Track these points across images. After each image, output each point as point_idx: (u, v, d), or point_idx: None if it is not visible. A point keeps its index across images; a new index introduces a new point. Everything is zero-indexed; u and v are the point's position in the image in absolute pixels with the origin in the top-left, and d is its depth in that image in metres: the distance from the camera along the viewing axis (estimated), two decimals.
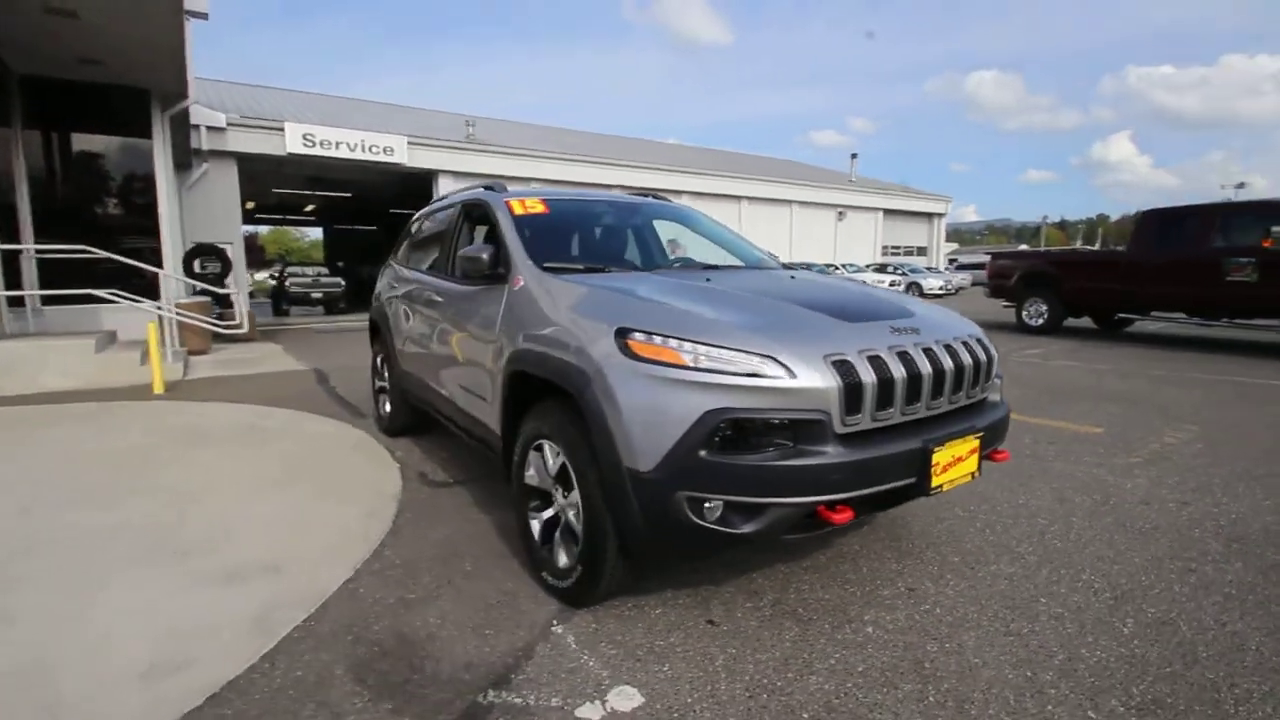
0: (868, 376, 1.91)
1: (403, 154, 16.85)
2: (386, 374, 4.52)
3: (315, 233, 49.00)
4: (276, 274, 26.04)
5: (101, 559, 2.72)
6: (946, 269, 29.60)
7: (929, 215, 31.09)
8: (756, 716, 1.76)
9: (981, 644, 2.07)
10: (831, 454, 1.84)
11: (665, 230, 3.78)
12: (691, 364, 1.89)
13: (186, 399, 6.02)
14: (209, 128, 13.60)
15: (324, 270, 21.18)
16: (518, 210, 3.14)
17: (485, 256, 2.81)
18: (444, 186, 17.83)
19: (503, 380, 2.61)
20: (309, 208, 28.54)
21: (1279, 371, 6.73)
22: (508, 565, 2.67)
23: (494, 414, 2.79)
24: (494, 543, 2.89)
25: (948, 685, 1.87)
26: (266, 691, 1.89)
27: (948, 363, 2.12)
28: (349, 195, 23.84)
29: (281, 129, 14.85)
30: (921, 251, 31.08)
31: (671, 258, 3.64)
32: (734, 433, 1.85)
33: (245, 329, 10.01)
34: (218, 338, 10.03)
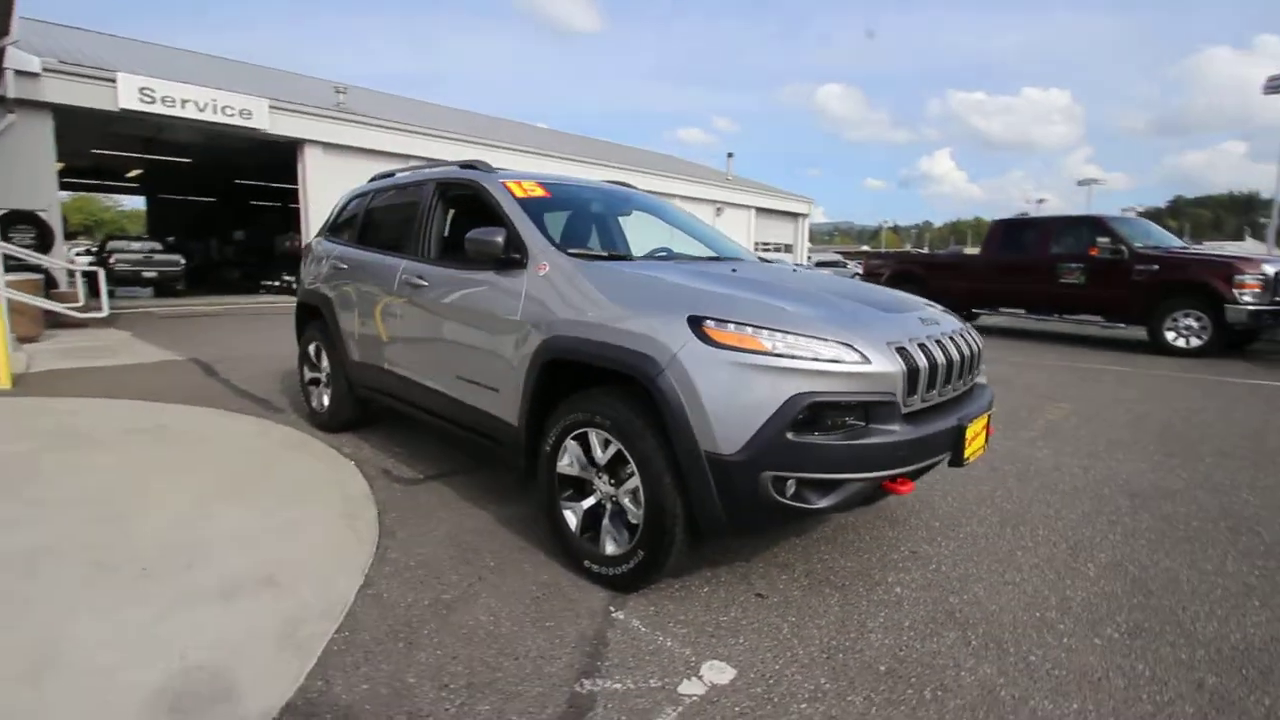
0: (921, 361, 2.12)
1: (263, 119, 15.09)
2: (326, 364, 4.13)
3: (133, 201, 42.50)
4: (95, 249, 22.34)
5: (45, 586, 2.29)
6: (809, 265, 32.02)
7: (794, 215, 33.33)
8: (841, 673, 1.91)
9: (991, 594, 2.38)
10: (899, 432, 2.02)
11: (645, 221, 3.82)
12: (774, 350, 1.99)
13: (45, 395, 5.08)
14: (19, 72, 11.29)
15: (157, 246, 18.51)
16: (518, 193, 3.03)
17: (500, 240, 2.70)
18: (312, 158, 16.28)
19: (530, 369, 2.54)
20: (133, 173, 24.66)
21: (1108, 359, 8.13)
22: (533, 557, 2.61)
23: (509, 404, 2.70)
24: (507, 536, 2.81)
25: (982, 630, 2.15)
26: (337, 710, 1.73)
27: (964, 350, 2.40)
28: (189, 161, 20.94)
29: (113, 80, 12.69)
30: (788, 249, 33.26)
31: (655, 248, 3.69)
32: (814, 415, 1.97)
33: (104, 312, 8.57)
34: (48, 324, 8.48)
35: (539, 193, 3.10)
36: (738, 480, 1.99)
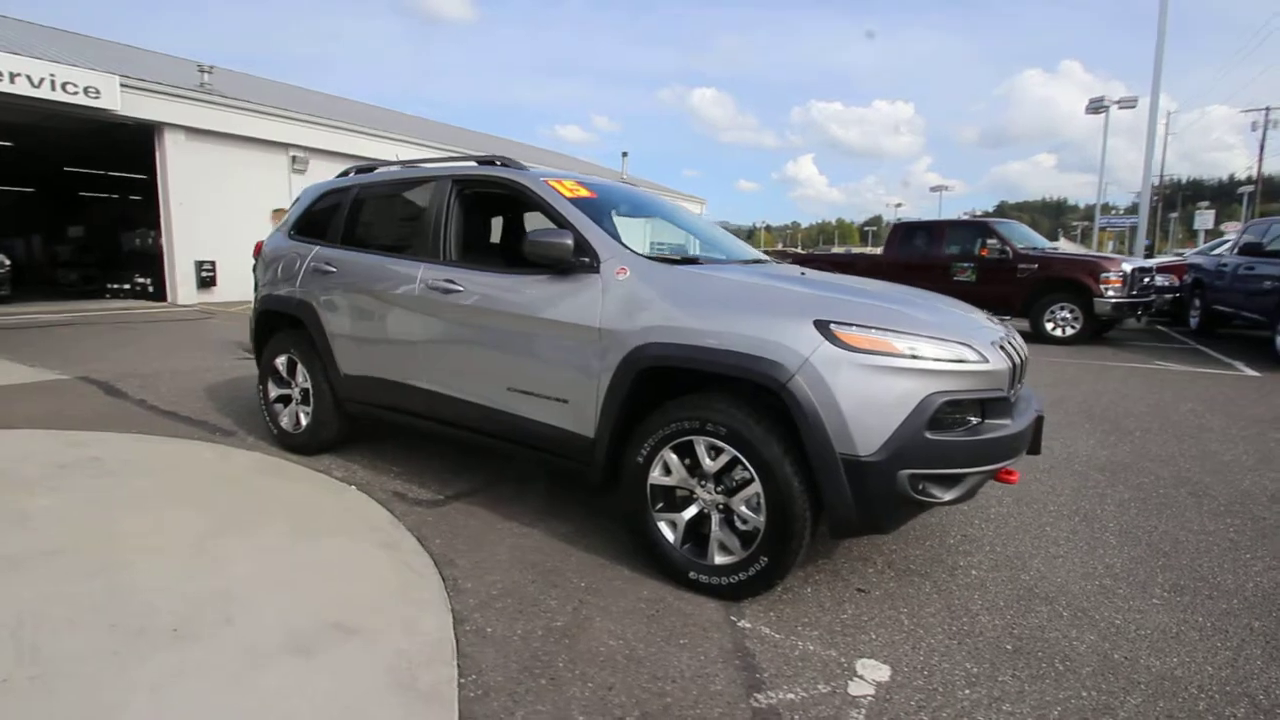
0: (1017, 359, 2.29)
1: (113, 98, 13.12)
2: (305, 379, 3.70)
3: None
4: None
5: (68, 665, 1.88)
6: None
7: None
8: (979, 656, 2.02)
9: (1049, 567, 2.62)
10: (1011, 425, 2.17)
11: (659, 224, 3.79)
12: (906, 352, 2.06)
13: None
14: None
15: None
16: (567, 193, 2.89)
17: (570, 242, 2.56)
18: (173, 145, 14.41)
19: (616, 378, 2.44)
20: None
21: None
22: (619, 573, 2.51)
23: (581, 416, 2.58)
24: (577, 553, 2.68)
25: (1064, 601, 2.36)
26: None
27: (1022, 348, 2.61)
28: (8, 145, 17.73)
29: None
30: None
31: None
32: (946, 413, 2.06)
33: None
34: None
35: (584, 193, 2.98)
36: (873, 480, 2.04)
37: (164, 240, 14.91)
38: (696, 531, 2.40)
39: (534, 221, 4.16)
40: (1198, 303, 10.14)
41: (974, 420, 2.13)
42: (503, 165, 3.20)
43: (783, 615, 2.24)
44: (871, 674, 1.94)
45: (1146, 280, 9.24)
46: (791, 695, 1.84)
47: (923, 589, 2.44)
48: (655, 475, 2.41)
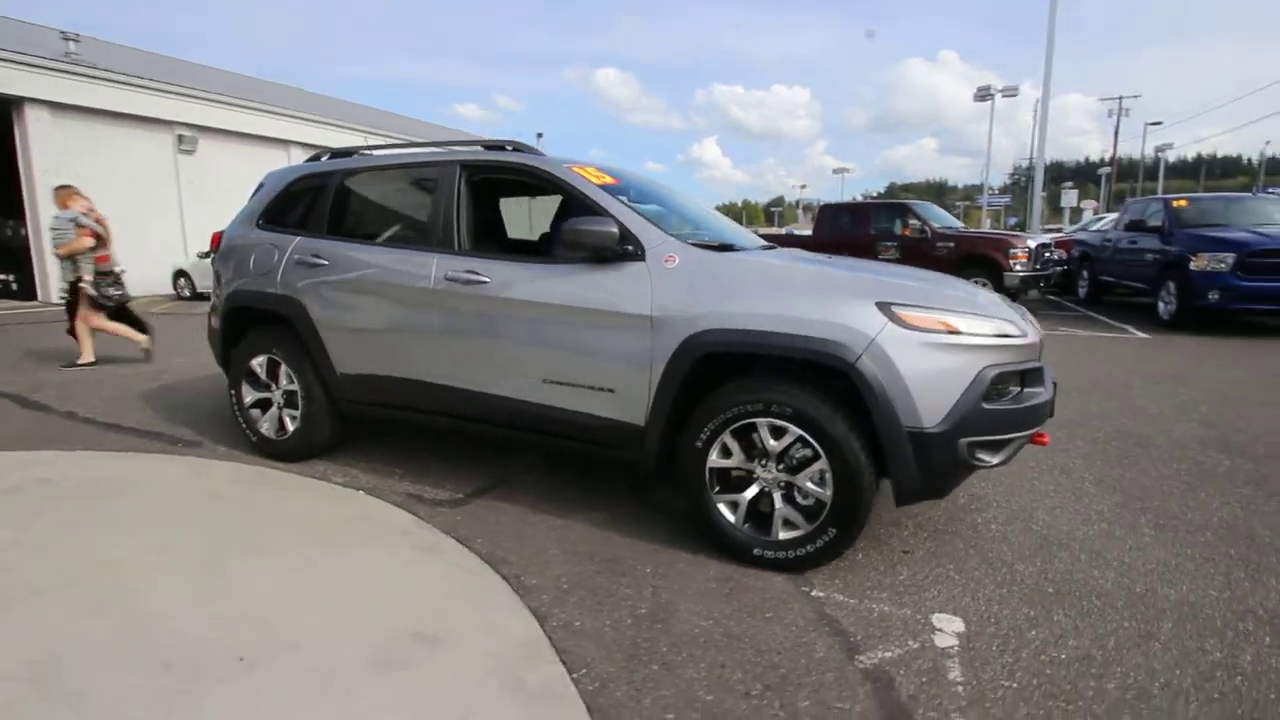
0: (1040, 333, 2.51)
1: None
2: (292, 381, 3.43)
3: None
4: None
5: (122, 702, 1.70)
6: None
7: None
8: (1032, 600, 2.23)
9: (1053, 519, 2.90)
10: (1043, 393, 2.38)
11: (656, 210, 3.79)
12: (962, 329, 2.21)
13: None
14: None
15: None
16: (595, 179, 2.85)
17: (615, 230, 2.54)
18: (35, 122, 12.71)
19: (671, 365, 2.45)
20: None
21: None
22: (680, 555, 2.56)
23: (631, 404, 2.58)
24: (628, 541, 2.69)
25: (1077, 546, 2.63)
26: None
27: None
28: None
29: None
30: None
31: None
32: (997, 384, 2.24)
33: None
34: None
35: (608, 179, 2.94)
36: (937, 450, 2.19)
37: (28, 231, 13.16)
38: (755, 510, 2.48)
39: (538, 207, 4.07)
40: (1085, 274, 11.32)
41: (1016, 390, 2.33)
42: (515, 150, 3.09)
43: (848, 582, 2.37)
44: (948, 626, 2.10)
45: (1047, 255, 10.20)
46: (889, 654, 1.96)
47: (956, 546, 2.65)
48: (713, 458, 2.46)
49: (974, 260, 9.95)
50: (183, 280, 13.51)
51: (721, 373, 2.50)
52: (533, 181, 2.97)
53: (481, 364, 2.91)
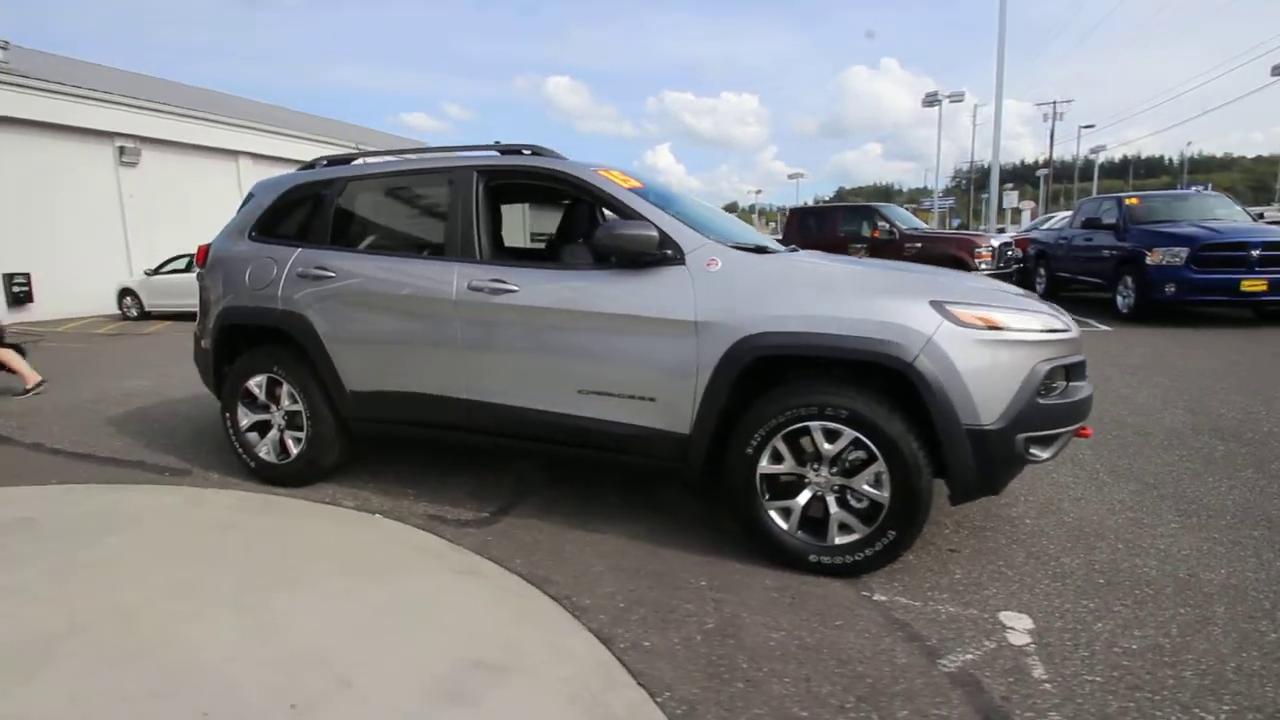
0: None
1: None
2: (295, 402, 3.24)
3: None
4: None
5: None
6: None
7: None
8: (1088, 593, 2.25)
9: (1080, 510, 2.96)
10: (1087, 386, 2.42)
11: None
12: (1014, 326, 2.22)
13: None
14: None
15: None
16: (622, 183, 2.78)
17: (655, 235, 2.48)
18: None
19: (719, 371, 2.40)
20: None
21: None
22: (731, 566, 2.50)
23: (674, 412, 2.52)
24: (676, 552, 2.63)
25: (1112, 536, 2.68)
26: None
27: None
28: None
29: None
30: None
31: None
32: (1050, 379, 2.26)
33: None
34: None
35: (634, 183, 2.87)
36: (995, 446, 2.19)
37: None
38: (805, 515, 2.44)
39: (533, 212, 3.96)
40: (1043, 271, 11.78)
41: (1064, 384, 2.36)
42: (534, 154, 3.00)
43: (906, 584, 2.35)
44: (1018, 624, 2.10)
45: (1009, 253, 10.59)
46: (969, 656, 1.94)
47: (999, 542, 2.67)
48: (764, 465, 2.42)
49: (941, 260, 10.23)
50: (129, 299, 12.78)
51: (764, 378, 2.46)
52: (556, 186, 2.89)
53: (509, 376, 2.80)
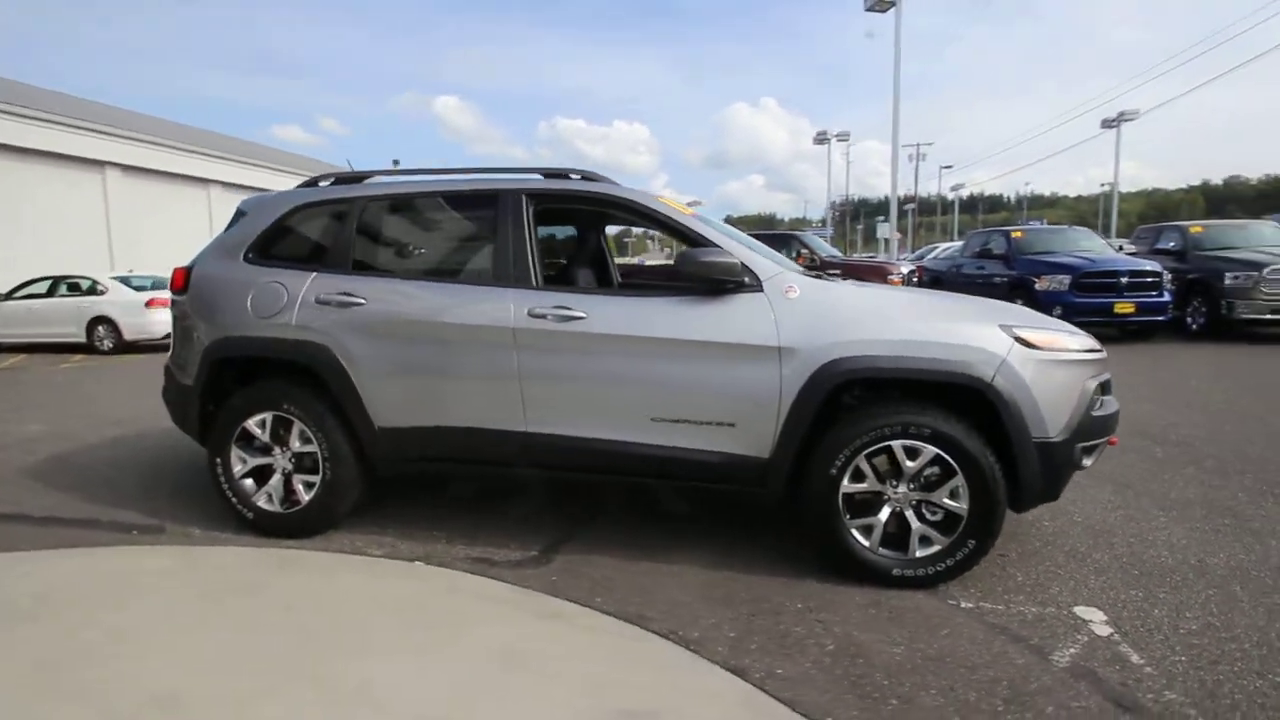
0: None
1: None
2: (312, 441, 2.92)
3: None
4: None
5: None
6: None
7: None
8: (1134, 581, 2.52)
9: (1087, 510, 3.29)
10: (1114, 399, 2.72)
11: None
12: (1070, 346, 2.47)
13: None
14: None
15: None
16: (684, 210, 2.80)
17: (736, 262, 2.52)
18: None
19: (803, 395, 2.47)
20: None
21: None
22: (813, 587, 2.55)
23: (754, 437, 2.56)
24: (753, 578, 2.64)
25: (1124, 531, 3.01)
26: None
27: None
28: None
29: None
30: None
31: None
32: (1098, 394, 2.53)
33: None
34: None
35: (689, 210, 2.91)
36: (1060, 457, 2.42)
37: None
38: (871, 529, 2.54)
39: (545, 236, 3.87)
40: None
41: (1104, 397, 2.65)
42: (583, 179, 2.96)
43: (980, 591, 2.51)
44: (1094, 617, 2.30)
45: (915, 280, 11.62)
46: (1072, 650, 2.11)
47: (1035, 545, 2.92)
48: (845, 484, 2.50)
49: None
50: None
51: (836, 401, 2.56)
52: (611, 212, 2.86)
53: (576, 406, 2.71)
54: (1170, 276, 9.14)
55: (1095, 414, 2.50)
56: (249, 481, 3.05)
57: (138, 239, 16.07)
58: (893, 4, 14.43)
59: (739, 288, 2.59)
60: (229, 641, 2.18)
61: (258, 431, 3.00)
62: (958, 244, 17.67)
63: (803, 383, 2.48)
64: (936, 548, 2.49)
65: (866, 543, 2.52)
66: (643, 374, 2.64)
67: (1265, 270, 8.44)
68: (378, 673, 2.01)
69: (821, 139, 26.47)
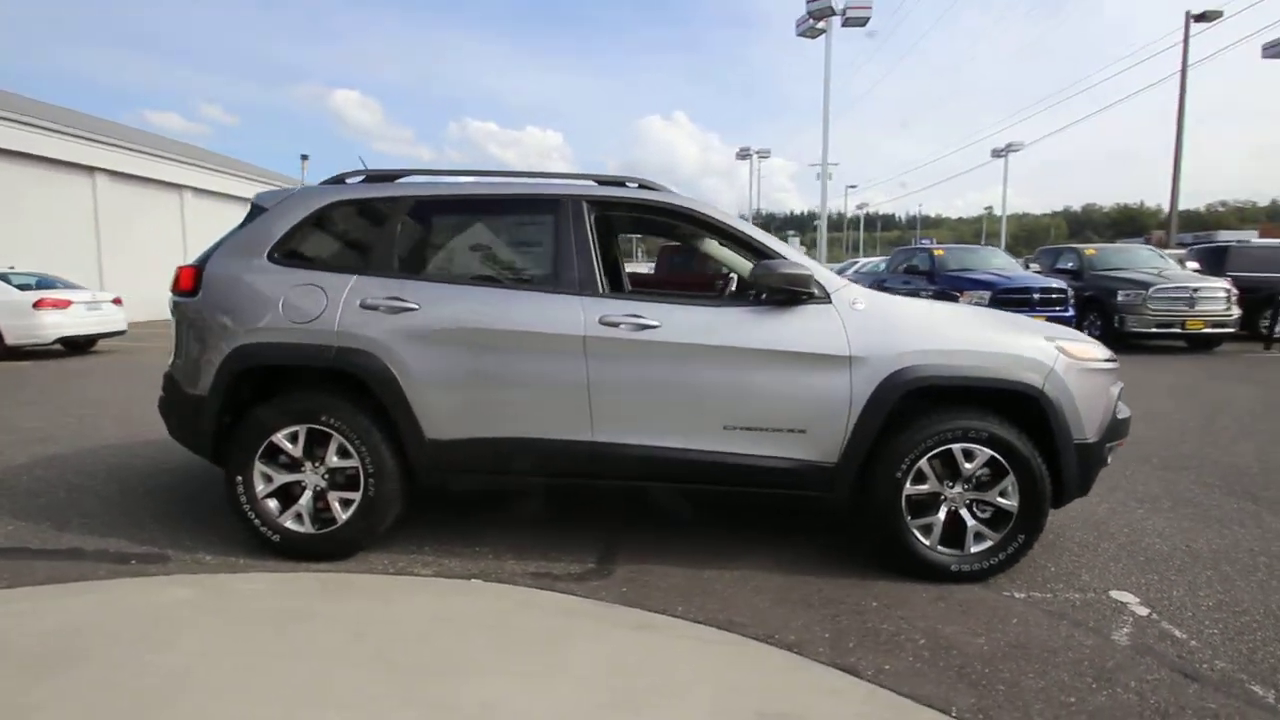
0: None
1: None
2: (353, 455, 2.73)
3: None
4: None
5: None
6: None
7: None
8: (1150, 564, 2.82)
9: (1079, 504, 3.64)
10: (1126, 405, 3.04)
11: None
12: (1100, 356, 2.75)
13: None
14: None
15: None
16: (742, 222, 2.87)
17: (810, 274, 2.62)
18: None
19: (873, 402, 2.60)
20: None
21: None
22: (879, 584, 2.68)
23: (823, 443, 2.67)
24: (821, 580, 2.74)
25: (1119, 521, 3.36)
26: None
27: None
28: None
29: None
30: None
31: None
32: (1118, 399, 2.82)
33: None
34: None
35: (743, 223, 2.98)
36: (1094, 456, 2.69)
37: None
38: (930, 528, 2.71)
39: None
40: None
41: (1120, 403, 2.95)
42: (642, 187, 2.96)
43: (1025, 582, 2.72)
44: (1128, 599, 2.57)
45: None
46: (1126, 630, 2.35)
47: (1050, 537, 3.15)
48: (908, 488, 2.65)
49: None
50: None
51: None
52: (672, 222, 2.88)
53: (647, 415, 2.70)
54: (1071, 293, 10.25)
55: (1119, 417, 2.80)
56: (271, 501, 2.80)
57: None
58: (823, 31, 15.43)
59: (809, 299, 2.69)
60: (316, 673, 2.00)
61: (288, 446, 2.77)
62: (877, 259, 18.85)
63: (871, 391, 2.61)
64: (989, 543, 2.68)
65: (927, 541, 2.68)
66: (716, 382, 2.68)
67: (1150, 289, 9.66)
68: (494, 695, 1.92)
69: (744, 154, 27.67)
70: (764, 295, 2.69)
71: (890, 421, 2.65)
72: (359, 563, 2.84)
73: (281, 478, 2.80)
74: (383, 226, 2.88)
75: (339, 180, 3.08)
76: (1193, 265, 11.19)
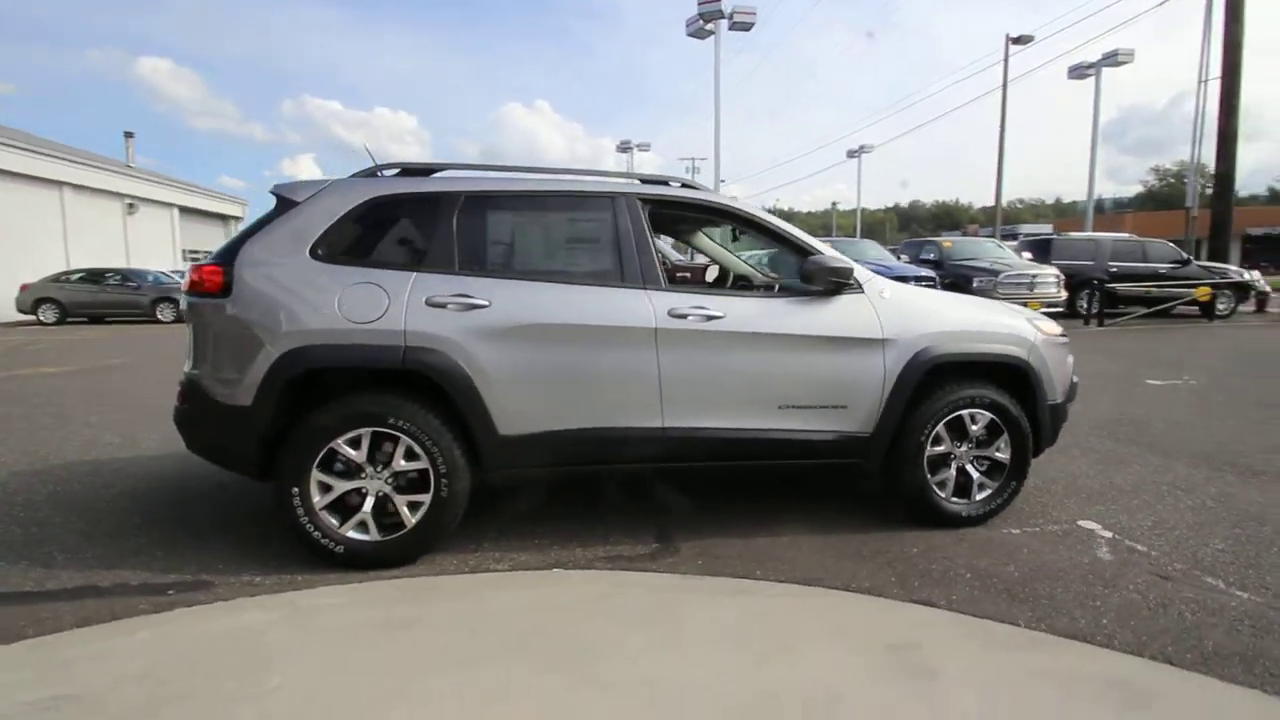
0: None
1: None
2: (420, 457, 2.66)
3: None
4: None
5: None
6: None
7: (226, 217, 28.22)
8: (1107, 499, 3.51)
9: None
10: None
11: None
12: (1058, 331, 3.36)
13: None
14: None
15: None
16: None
17: (849, 267, 2.96)
18: None
19: (903, 378, 3.00)
20: None
21: None
22: (909, 532, 3.10)
23: (861, 416, 3.04)
24: (861, 536, 3.10)
25: (1101, 489, 4.09)
26: None
27: None
28: None
29: None
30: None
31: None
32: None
33: None
34: None
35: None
36: (1061, 414, 3.31)
37: None
38: (945, 483, 3.19)
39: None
40: None
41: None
42: (684, 186, 3.14)
43: (1016, 520, 3.28)
44: (1092, 526, 3.21)
45: None
46: (1103, 549, 2.95)
47: (1046, 476, 3.80)
48: (930, 448, 3.10)
49: None
50: None
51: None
52: (716, 219, 3.09)
53: (712, 399, 2.91)
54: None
55: (1074, 381, 3.45)
56: (329, 514, 2.66)
57: None
58: (713, 33, 16.23)
59: (849, 289, 3.04)
60: (457, 676, 2.01)
61: (350, 452, 2.64)
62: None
63: (900, 368, 3.02)
64: (989, 491, 3.21)
65: (943, 495, 3.16)
66: (773, 366, 2.95)
67: (1000, 276, 11.35)
68: (645, 671, 2.03)
69: (624, 148, 28.32)
70: (816, 286, 3.00)
71: (916, 394, 3.08)
72: (426, 566, 2.79)
73: (341, 486, 2.67)
74: (437, 222, 2.82)
75: (372, 174, 2.95)
76: (1026, 255, 13.27)
